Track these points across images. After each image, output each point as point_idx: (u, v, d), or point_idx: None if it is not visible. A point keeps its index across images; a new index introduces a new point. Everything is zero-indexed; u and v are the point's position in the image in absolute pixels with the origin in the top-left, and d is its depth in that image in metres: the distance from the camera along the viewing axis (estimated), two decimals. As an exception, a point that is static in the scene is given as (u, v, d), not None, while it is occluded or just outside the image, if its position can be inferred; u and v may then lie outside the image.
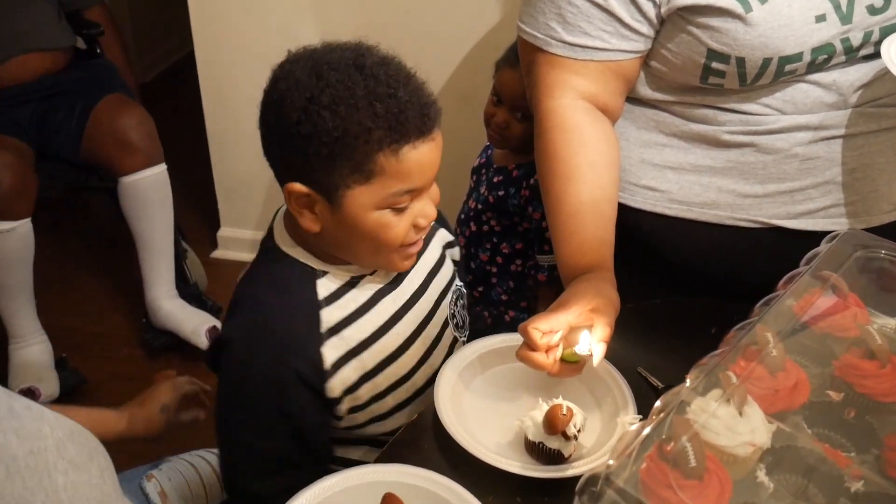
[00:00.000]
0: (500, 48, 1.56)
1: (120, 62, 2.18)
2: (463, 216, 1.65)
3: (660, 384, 0.93)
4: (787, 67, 0.93)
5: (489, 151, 1.64)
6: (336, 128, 0.79)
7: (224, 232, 2.54)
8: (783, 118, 0.97)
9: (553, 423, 0.80)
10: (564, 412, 0.81)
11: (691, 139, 1.02)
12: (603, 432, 0.87)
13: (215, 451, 1.18)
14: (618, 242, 0.98)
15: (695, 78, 0.97)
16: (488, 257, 1.61)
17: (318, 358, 0.89)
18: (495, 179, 1.58)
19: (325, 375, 0.89)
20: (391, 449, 0.87)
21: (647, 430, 0.60)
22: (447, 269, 1.06)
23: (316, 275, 0.92)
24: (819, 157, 0.98)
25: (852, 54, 0.94)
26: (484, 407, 0.91)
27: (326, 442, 0.97)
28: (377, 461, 0.81)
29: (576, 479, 0.77)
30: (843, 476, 0.63)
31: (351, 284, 0.93)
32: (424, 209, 0.87)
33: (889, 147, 0.98)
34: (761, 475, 0.63)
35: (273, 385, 0.88)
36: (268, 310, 0.90)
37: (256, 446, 0.92)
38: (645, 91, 1.04)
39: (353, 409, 0.95)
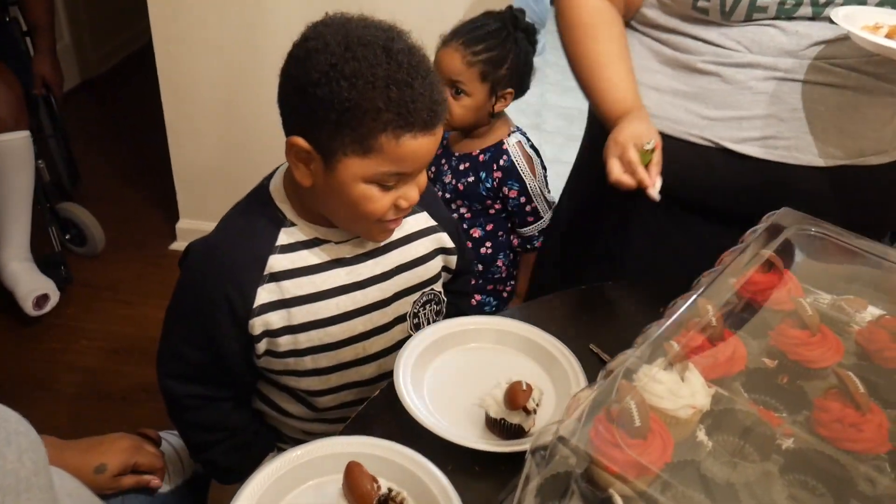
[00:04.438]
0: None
1: (42, 23, 2.22)
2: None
3: (610, 360, 0.97)
4: (759, 3, 1.02)
5: (444, 141, 1.68)
6: (350, 99, 0.84)
7: (183, 224, 2.53)
8: (748, 56, 1.07)
9: (514, 399, 0.84)
10: (525, 388, 0.85)
11: (677, 66, 1.14)
12: (558, 408, 0.91)
13: (174, 432, 1.18)
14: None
15: (687, 6, 1.08)
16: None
17: (250, 295, 0.96)
18: (461, 167, 1.62)
19: (250, 312, 0.96)
20: (355, 423, 0.89)
21: (594, 394, 0.64)
22: (427, 270, 1.10)
23: (283, 223, 0.98)
24: (768, 93, 1.08)
25: (818, 9, 1.02)
26: (444, 386, 0.94)
27: (245, 370, 1.02)
28: (341, 434, 0.84)
29: (532, 449, 0.81)
30: (776, 435, 0.67)
31: (311, 244, 0.99)
32: (408, 192, 0.93)
33: (830, 98, 1.07)
34: (701, 435, 0.66)
35: (205, 302, 0.97)
36: (227, 236, 0.99)
37: (181, 350, 1.01)
38: (653, 13, 1.16)
39: (271, 354, 1.00)
